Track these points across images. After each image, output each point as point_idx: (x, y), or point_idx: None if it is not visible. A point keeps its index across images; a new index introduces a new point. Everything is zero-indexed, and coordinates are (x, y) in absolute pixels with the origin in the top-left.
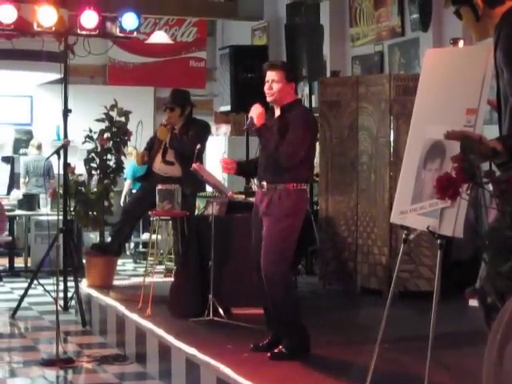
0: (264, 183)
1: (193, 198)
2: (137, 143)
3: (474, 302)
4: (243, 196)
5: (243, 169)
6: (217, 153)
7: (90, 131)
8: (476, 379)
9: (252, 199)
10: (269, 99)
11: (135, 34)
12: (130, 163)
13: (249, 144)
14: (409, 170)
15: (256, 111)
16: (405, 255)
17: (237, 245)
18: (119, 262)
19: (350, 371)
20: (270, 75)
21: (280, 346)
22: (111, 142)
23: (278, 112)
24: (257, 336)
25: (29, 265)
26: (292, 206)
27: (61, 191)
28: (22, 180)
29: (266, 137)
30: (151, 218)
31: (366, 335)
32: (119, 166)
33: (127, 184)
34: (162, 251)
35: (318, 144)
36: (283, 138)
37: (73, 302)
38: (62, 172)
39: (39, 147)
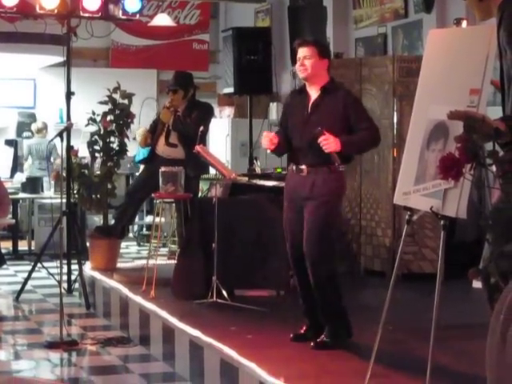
0: (304, 167)
1: (196, 181)
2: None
3: (477, 284)
4: (246, 178)
5: (280, 147)
6: (220, 135)
7: (93, 114)
8: (479, 360)
9: (256, 181)
10: (302, 75)
11: (138, 16)
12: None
13: (252, 126)
14: (412, 150)
15: (328, 143)
16: (408, 237)
17: (240, 227)
18: (123, 244)
19: (354, 352)
20: (302, 51)
21: (322, 336)
22: (114, 125)
23: (314, 92)
24: (260, 318)
25: (32, 248)
26: (335, 189)
27: (64, 174)
28: (25, 163)
29: (351, 147)
30: (154, 201)
31: (370, 317)
32: (122, 149)
33: None
34: (165, 234)
35: None
36: (334, 121)
37: (76, 285)
38: (65, 155)
39: (40, 130)
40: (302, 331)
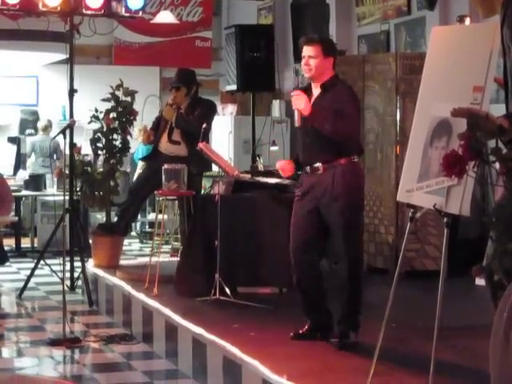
0: (318, 165)
1: (199, 178)
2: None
3: (480, 281)
4: (249, 175)
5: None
6: (223, 132)
7: (96, 111)
8: (482, 357)
9: (259, 179)
10: (306, 75)
11: (141, 13)
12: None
13: (255, 123)
14: (415, 148)
15: (299, 101)
16: (411, 234)
17: (243, 224)
18: (125, 241)
19: (357, 349)
20: (307, 50)
21: (345, 335)
22: (117, 122)
23: (317, 90)
24: (263, 315)
25: (35, 245)
26: (353, 181)
27: (67, 171)
28: (28, 160)
29: (320, 120)
30: (157, 198)
31: (373, 314)
32: (125, 146)
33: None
34: (168, 231)
35: None
36: (331, 117)
37: (79, 282)
38: (68, 152)
39: (46, 128)
40: (304, 330)
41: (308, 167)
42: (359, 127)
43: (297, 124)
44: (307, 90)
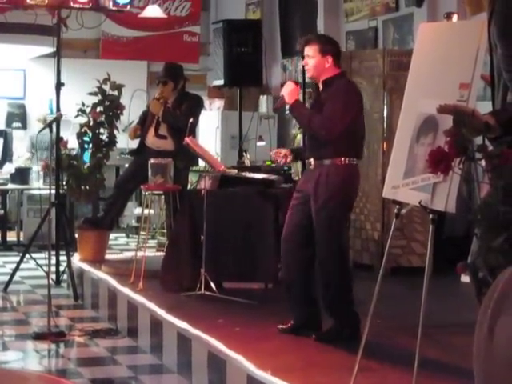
0: (311, 160)
1: (185, 172)
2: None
3: (465, 278)
4: (236, 170)
5: (298, 153)
6: (210, 127)
7: (83, 105)
8: (467, 354)
9: (245, 174)
10: (308, 75)
11: (128, 7)
12: None
13: (242, 119)
14: (401, 144)
15: (288, 88)
16: (397, 231)
17: (229, 219)
18: (111, 236)
19: (341, 345)
20: (305, 50)
21: (328, 328)
22: (104, 116)
23: (321, 87)
24: (248, 310)
25: (21, 239)
26: (340, 184)
27: (53, 165)
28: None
29: (299, 112)
30: (143, 193)
31: (358, 310)
32: (112, 140)
33: None
34: (154, 226)
35: None
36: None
37: (65, 276)
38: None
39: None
40: (289, 325)
41: (306, 161)
42: (352, 126)
43: (274, 107)
44: (314, 88)
